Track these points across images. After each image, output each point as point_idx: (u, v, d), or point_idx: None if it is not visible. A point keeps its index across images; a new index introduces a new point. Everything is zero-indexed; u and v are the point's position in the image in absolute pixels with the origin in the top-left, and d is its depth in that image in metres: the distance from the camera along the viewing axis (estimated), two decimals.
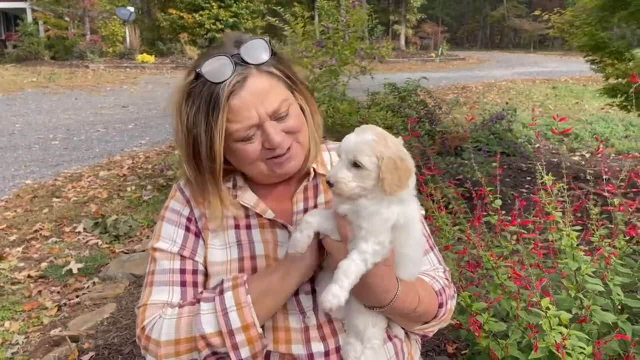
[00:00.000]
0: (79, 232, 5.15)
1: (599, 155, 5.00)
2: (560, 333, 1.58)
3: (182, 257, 1.31)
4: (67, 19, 22.53)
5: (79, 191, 6.53)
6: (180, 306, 1.23)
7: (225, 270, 1.29)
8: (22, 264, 4.50)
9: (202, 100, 1.18)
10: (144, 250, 4.69)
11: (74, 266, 4.33)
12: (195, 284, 1.30)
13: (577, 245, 2.05)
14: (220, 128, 1.17)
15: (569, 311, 1.85)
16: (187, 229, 1.34)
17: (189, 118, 1.20)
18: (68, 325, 3.51)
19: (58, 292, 4.05)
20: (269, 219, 1.33)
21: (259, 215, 1.34)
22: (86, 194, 6.38)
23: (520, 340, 1.90)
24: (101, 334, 3.38)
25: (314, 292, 1.29)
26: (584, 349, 1.60)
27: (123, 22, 22.02)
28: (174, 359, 1.19)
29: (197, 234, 1.33)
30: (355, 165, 1.09)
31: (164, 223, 1.36)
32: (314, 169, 1.39)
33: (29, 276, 4.27)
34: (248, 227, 1.33)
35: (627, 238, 2.30)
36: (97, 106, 12.81)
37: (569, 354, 1.57)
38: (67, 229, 5.25)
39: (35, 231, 5.20)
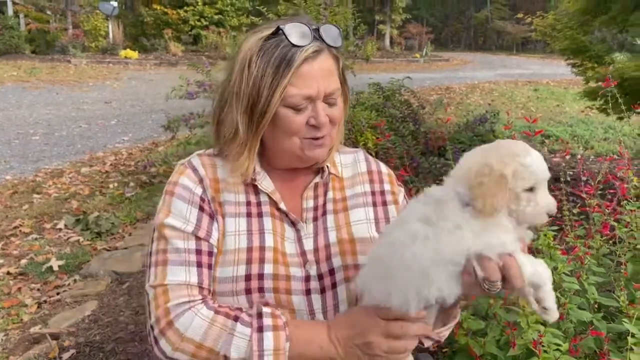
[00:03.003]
0: (60, 229, 5.09)
1: (579, 157, 5.11)
2: (538, 331, 1.62)
3: (197, 238, 1.26)
4: (48, 12, 22.20)
5: (60, 187, 6.45)
6: (216, 311, 1.18)
7: (233, 260, 1.26)
8: (1, 261, 4.43)
9: (275, 55, 1.20)
10: (126, 248, 4.66)
11: (55, 263, 4.28)
12: (210, 266, 1.26)
13: (555, 245, 2.10)
14: (284, 87, 1.20)
15: None
16: (202, 209, 1.28)
17: (258, 70, 1.22)
18: (48, 323, 3.48)
19: (38, 290, 4.01)
20: (281, 211, 1.33)
21: (271, 204, 1.34)
22: (67, 191, 6.31)
23: (498, 338, 1.94)
24: (82, 332, 3.35)
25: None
26: (561, 346, 1.64)
27: (106, 17, 21.73)
28: (187, 358, 1.16)
29: (212, 215, 1.29)
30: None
31: (174, 198, 1.29)
32: (327, 167, 1.41)
33: (8, 273, 4.21)
34: (260, 215, 1.32)
35: (604, 238, 2.36)
36: (79, 101, 12.64)
37: (545, 351, 1.61)
38: (47, 226, 5.19)
39: (15, 227, 5.13)
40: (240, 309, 1.20)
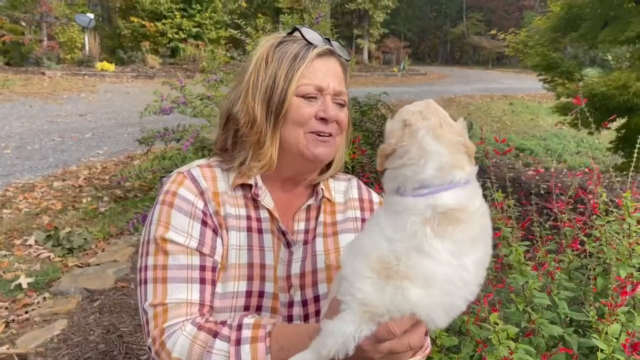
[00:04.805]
0: (30, 245, 4.97)
1: (552, 170, 5.20)
2: (508, 347, 1.63)
3: (202, 254, 1.21)
4: (23, 24, 21.86)
5: (31, 202, 6.31)
6: (200, 327, 1.13)
7: (235, 276, 1.23)
8: None
9: (291, 50, 1.28)
10: (98, 264, 4.57)
11: (24, 281, 4.17)
12: (213, 282, 1.22)
13: (527, 260, 2.12)
14: (298, 77, 1.25)
15: (519, 325, 1.90)
16: (205, 223, 1.23)
17: (275, 62, 1.27)
18: (16, 343, 3.38)
19: (6, 308, 3.89)
20: (279, 230, 1.31)
21: (270, 221, 1.31)
22: (39, 205, 6.17)
23: (472, 354, 1.94)
24: (51, 352, 3.26)
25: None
26: None
27: (82, 28, 21.50)
28: None
29: (216, 230, 1.25)
30: None
31: (173, 211, 1.22)
32: (322, 190, 1.40)
33: None
34: (260, 231, 1.30)
35: (575, 252, 2.39)
36: (52, 114, 12.43)
37: None
38: (17, 242, 5.06)
39: None
40: (225, 322, 1.15)
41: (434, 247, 0.92)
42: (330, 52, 1.32)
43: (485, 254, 0.99)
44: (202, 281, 1.20)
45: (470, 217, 0.96)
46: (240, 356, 1.07)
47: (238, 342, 1.09)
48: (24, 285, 4.15)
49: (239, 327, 1.11)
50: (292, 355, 1.05)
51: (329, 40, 1.34)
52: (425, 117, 1.00)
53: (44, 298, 4.02)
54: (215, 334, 1.11)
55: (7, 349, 3.32)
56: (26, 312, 3.83)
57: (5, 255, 4.76)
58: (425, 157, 0.97)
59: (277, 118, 1.26)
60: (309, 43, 1.29)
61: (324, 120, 1.27)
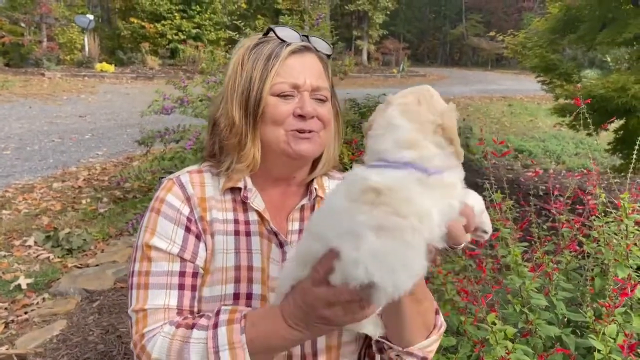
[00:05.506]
0: (30, 246, 4.98)
1: (550, 171, 5.21)
2: (505, 347, 1.63)
3: (183, 260, 1.24)
4: (23, 25, 21.87)
5: (30, 203, 6.31)
6: (178, 325, 1.16)
7: (222, 279, 1.25)
8: None
9: (266, 50, 1.27)
10: (97, 265, 4.58)
11: (23, 281, 4.18)
12: (194, 287, 1.24)
13: (525, 260, 2.13)
14: (272, 76, 1.25)
15: (516, 325, 1.91)
16: (188, 229, 1.26)
17: (250, 64, 1.27)
18: (15, 343, 3.39)
19: (5, 309, 3.90)
20: (269, 231, 1.31)
21: (260, 223, 1.32)
22: (38, 206, 6.18)
23: (469, 354, 1.95)
24: (50, 352, 3.27)
25: None
26: None
27: (82, 29, 21.52)
28: None
29: (199, 236, 1.27)
30: None
31: (159, 217, 1.26)
32: (315, 190, 1.39)
33: None
34: (248, 233, 1.30)
35: (573, 253, 2.40)
36: (52, 115, 12.45)
37: None
38: (16, 243, 5.07)
39: None
40: (203, 315, 1.17)
41: (338, 217, 0.90)
42: (306, 48, 1.30)
43: (399, 251, 0.84)
44: (181, 287, 1.23)
45: (389, 203, 0.85)
46: (217, 338, 1.09)
47: (215, 326, 1.11)
48: (24, 286, 4.16)
49: (217, 313, 1.14)
50: (262, 328, 1.09)
51: (307, 36, 1.32)
52: (404, 95, 0.99)
53: (43, 299, 4.02)
54: (192, 326, 1.14)
55: (7, 349, 3.32)
56: (25, 313, 3.83)
57: (4, 256, 4.77)
58: (386, 129, 0.94)
59: (255, 119, 1.27)
60: (283, 41, 1.29)
61: (302, 117, 1.26)
